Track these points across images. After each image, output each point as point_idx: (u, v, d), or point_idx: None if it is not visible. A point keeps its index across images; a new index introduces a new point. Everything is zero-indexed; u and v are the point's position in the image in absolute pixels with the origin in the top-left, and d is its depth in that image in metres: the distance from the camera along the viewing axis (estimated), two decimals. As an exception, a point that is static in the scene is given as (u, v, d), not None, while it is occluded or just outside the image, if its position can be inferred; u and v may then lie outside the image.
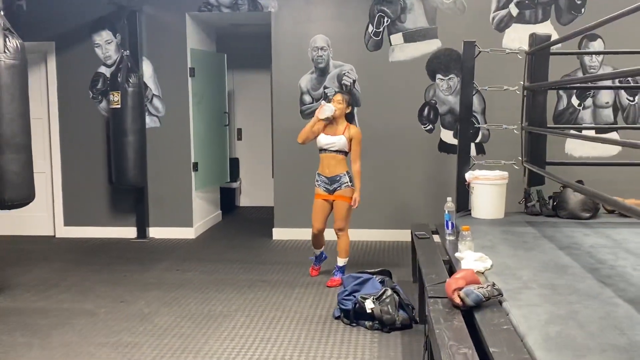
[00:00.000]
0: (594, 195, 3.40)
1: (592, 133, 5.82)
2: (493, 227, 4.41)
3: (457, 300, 2.80)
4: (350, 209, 4.92)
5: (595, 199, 4.21)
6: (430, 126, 6.31)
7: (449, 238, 4.22)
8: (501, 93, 5.29)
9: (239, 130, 8.64)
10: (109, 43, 6.58)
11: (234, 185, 8.43)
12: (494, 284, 2.87)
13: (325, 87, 6.35)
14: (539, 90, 4.60)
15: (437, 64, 6.24)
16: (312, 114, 6.37)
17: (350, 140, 4.86)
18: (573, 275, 3.15)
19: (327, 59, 6.34)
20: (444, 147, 6.30)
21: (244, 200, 8.70)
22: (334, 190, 4.88)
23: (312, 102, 6.37)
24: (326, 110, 4.81)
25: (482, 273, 3.31)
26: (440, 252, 4.09)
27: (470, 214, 4.84)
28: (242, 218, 7.92)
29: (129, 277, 5.21)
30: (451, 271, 3.66)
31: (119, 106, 6.18)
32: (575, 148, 6.15)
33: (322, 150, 4.90)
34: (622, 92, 6.07)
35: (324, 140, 4.86)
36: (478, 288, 2.85)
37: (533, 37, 4.58)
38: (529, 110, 4.66)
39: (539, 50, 4.51)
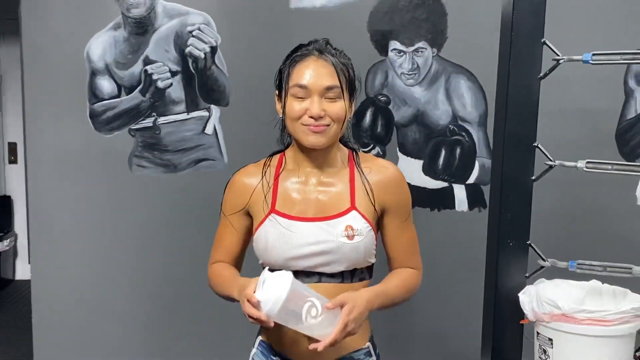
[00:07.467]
0: None
1: None
2: None
3: None
4: None
5: None
6: (378, 149, 3.03)
7: None
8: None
9: (12, 148, 4.88)
10: None
11: (2, 245, 4.69)
12: None
13: (147, 62, 2.86)
14: None
15: (390, 20, 2.97)
16: (118, 118, 2.88)
17: (381, 214, 1.48)
18: None
19: (151, 1, 2.87)
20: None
21: (22, 271, 4.95)
22: None
23: (119, 94, 2.85)
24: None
25: None
26: None
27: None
28: (9, 313, 4.24)
29: None
30: None
31: None
32: (651, 194, 3.17)
33: (286, 268, 1.35)
34: None
35: (296, 240, 1.37)
36: None
37: None
38: None
39: None
